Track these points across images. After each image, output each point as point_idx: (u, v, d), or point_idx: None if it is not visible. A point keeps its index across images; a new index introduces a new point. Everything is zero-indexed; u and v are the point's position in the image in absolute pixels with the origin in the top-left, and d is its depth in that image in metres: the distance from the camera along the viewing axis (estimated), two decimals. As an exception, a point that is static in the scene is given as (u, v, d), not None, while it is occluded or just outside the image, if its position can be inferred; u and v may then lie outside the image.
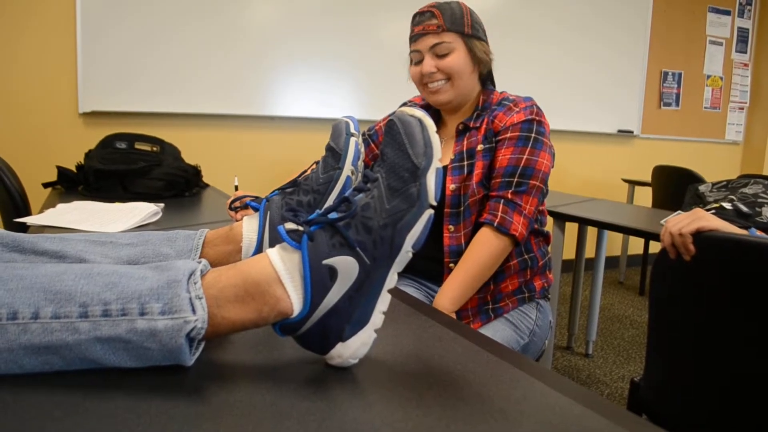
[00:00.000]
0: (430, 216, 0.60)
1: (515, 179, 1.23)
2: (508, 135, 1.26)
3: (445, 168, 1.29)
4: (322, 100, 3.21)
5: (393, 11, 3.26)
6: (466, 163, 1.29)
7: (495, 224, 1.21)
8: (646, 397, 1.25)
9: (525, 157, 1.23)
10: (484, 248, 1.22)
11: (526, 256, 1.32)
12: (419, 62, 1.30)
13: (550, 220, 2.35)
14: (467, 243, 1.27)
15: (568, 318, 2.80)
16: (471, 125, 1.31)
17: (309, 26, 3.12)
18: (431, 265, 1.31)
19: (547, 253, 1.40)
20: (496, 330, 1.26)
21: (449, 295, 1.21)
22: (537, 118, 1.26)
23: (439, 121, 1.42)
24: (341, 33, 3.20)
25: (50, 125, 2.70)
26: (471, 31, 1.28)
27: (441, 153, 0.61)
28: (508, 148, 1.25)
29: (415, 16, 1.30)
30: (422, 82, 1.32)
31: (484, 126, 1.29)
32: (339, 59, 3.22)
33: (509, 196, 1.23)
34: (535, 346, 1.33)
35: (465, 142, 1.31)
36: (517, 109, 1.26)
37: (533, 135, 1.25)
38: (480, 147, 1.28)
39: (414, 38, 1.30)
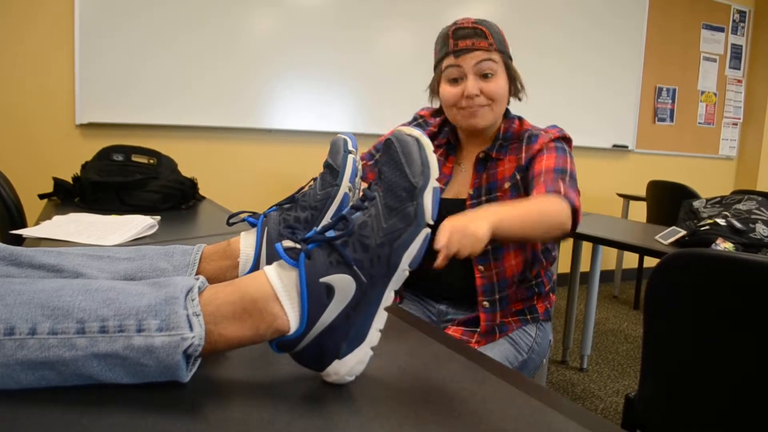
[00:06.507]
0: (427, 235, 0.60)
1: (568, 177, 1.15)
2: (545, 148, 1.20)
3: (463, 202, 1.26)
4: (320, 113, 3.22)
5: (392, 24, 3.27)
6: (484, 198, 1.23)
7: (561, 193, 1.09)
8: (640, 413, 1.25)
9: (569, 164, 1.18)
10: (547, 202, 1.07)
11: (533, 282, 1.30)
12: (456, 81, 1.19)
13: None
14: (502, 277, 1.22)
15: (563, 332, 2.80)
16: (493, 155, 1.24)
17: (307, 39, 3.14)
18: (464, 301, 1.29)
19: (552, 276, 1.35)
20: (495, 344, 1.25)
21: (493, 215, 0.96)
22: (569, 136, 1.25)
23: (457, 144, 1.35)
24: (340, 45, 3.22)
25: (47, 136, 2.70)
26: (510, 55, 1.22)
27: (438, 172, 0.61)
28: (551, 155, 1.18)
29: (457, 29, 1.17)
30: (458, 104, 1.20)
31: (513, 162, 1.23)
32: (338, 72, 3.23)
33: (562, 190, 1.11)
34: (533, 363, 1.31)
35: (485, 175, 1.25)
36: (550, 134, 1.23)
37: (568, 149, 1.22)
38: (507, 185, 1.22)
39: (458, 53, 1.17)
